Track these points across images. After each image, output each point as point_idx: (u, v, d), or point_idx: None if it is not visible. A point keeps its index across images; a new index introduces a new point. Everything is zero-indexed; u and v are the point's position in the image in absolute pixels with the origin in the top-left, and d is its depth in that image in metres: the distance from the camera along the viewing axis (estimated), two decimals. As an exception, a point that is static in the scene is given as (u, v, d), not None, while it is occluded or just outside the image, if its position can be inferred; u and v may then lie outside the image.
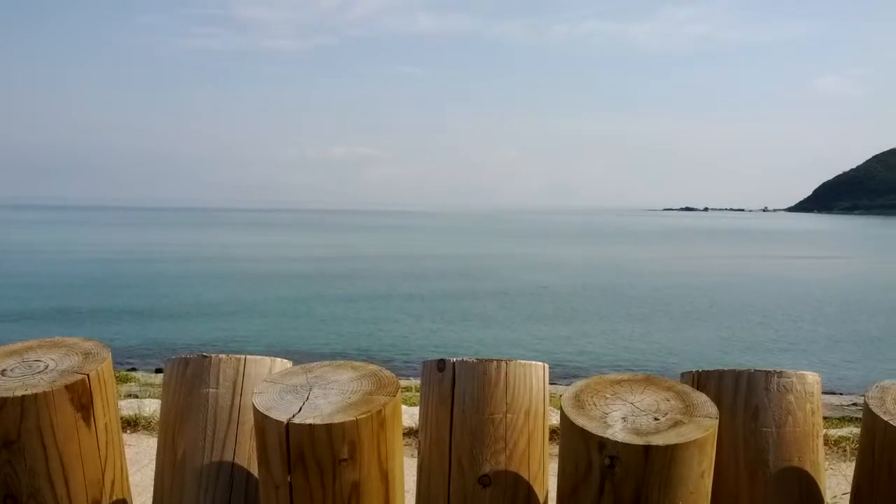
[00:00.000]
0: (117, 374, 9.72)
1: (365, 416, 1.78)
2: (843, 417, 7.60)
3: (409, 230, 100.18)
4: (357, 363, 2.05)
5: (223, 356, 2.20)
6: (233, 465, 2.13)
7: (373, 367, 2.02)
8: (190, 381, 2.17)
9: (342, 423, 1.75)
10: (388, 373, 1.99)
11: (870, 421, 1.90)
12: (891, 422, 1.81)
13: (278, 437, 1.76)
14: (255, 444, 1.92)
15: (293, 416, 1.77)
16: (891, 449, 1.82)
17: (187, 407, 2.15)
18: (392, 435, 1.88)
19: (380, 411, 1.81)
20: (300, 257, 47.21)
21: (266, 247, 58.07)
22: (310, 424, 1.74)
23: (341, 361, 2.07)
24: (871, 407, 1.88)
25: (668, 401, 1.81)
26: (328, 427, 1.74)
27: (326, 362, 2.07)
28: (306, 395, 1.87)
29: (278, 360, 2.27)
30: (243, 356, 2.23)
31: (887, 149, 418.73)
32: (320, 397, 1.87)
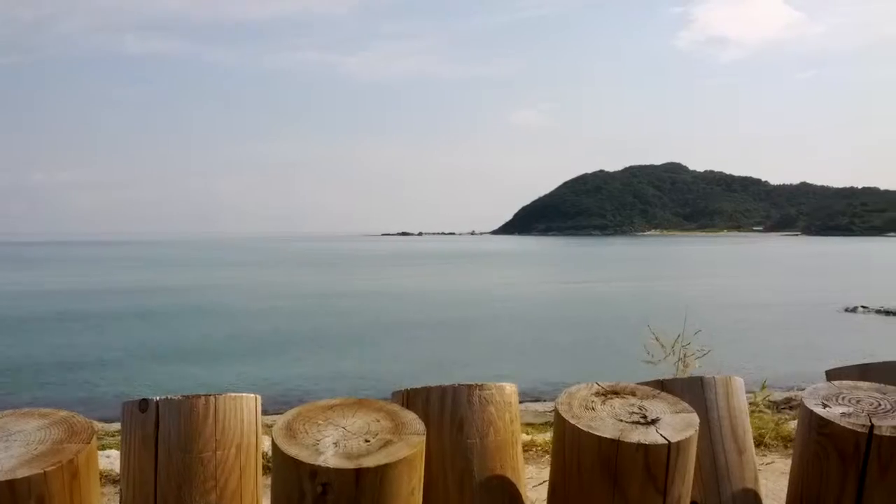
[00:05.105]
0: None
1: (54, 467, 1.62)
2: (546, 423, 8.22)
3: (114, 261, 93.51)
4: (46, 410, 1.86)
5: None
6: None
7: (64, 413, 1.85)
8: None
9: (27, 478, 1.58)
10: (81, 418, 1.83)
11: (560, 424, 2.04)
12: (577, 424, 1.93)
13: (-50, 500, 1.56)
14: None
15: None
16: (578, 449, 1.94)
17: None
18: (87, 485, 1.73)
19: (72, 461, 1.66)
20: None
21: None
22: None
23: (27, 409, 1.87)
24: (560, 411, 2.02)
25: (379, 421, 1.84)
26: (10, 483, 1.56)
27: (9, 411, 1.86)
28: None
29: None
30: None
31: (574, 176, 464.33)
32: (1, 451, 1.67)
